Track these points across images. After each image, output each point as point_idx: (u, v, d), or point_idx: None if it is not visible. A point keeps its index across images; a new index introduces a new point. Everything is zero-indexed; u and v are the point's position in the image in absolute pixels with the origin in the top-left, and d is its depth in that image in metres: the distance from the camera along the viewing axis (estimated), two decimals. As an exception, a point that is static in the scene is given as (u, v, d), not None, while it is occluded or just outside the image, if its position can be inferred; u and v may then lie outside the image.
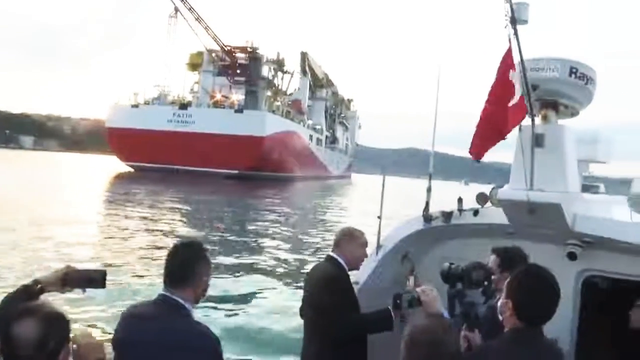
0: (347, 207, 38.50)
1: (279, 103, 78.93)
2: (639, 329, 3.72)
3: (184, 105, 68.19)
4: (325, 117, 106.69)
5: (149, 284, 11.23)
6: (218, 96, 70.85)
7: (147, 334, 2.41)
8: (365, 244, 3.83)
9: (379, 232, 4.25)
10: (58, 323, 1.93)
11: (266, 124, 65.80)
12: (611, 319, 4.07)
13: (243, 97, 72.15)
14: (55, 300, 2.38)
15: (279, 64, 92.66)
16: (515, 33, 3.06)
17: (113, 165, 68.72)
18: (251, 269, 14.38)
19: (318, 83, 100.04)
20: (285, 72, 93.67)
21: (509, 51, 3.13)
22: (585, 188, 5.06)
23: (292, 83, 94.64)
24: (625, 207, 4.00)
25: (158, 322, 2.44)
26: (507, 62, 3.13)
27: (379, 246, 4.25)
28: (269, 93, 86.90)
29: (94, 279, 2.53)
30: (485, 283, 3.43)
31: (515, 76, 3.13)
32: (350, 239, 3.76)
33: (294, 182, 69.99)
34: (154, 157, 63.95)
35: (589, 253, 3.71)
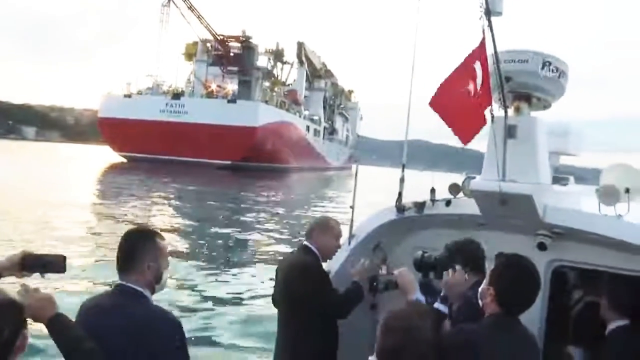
0: (342, 198, 37.14)
1: (274, 94, 78.06)
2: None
3: (176, 95, 67.63)
4: (325, 108, 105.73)
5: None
6: (213, 86, 70.13)
7: (107, 323, 2.39)
8: (340, 235, 3.92)
9: (351, 222, 4.29)
10: (10, 311, 1.91)
11: (259, 114, 65.10)
12: (578, 308, 4.24)
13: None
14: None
15: (277, 55, 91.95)
16: (490, 25, 3.08)
17: (109, 155, 68.31)
18: (237, 258, 14.62)
19: (316, 74, 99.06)
20: (285, 63, 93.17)
21: (483, 42, 3.15)
22: (556, 180, 5.12)
23: (292, 74, 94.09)
24: (595, 198, 4.03)
25: (117, 310, 2.43)
26: (476, 52, 3.19)
27: (351, 236, 4.27)
28: (267, 83, 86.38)
29: (53, 264, 2.47)
30: None
31: (478, 67, 3.18)
32: (325, 230, 3.81)
33: (289, 173, 69.26)
34: (146, 147, 63.49)
35: (558, 244, 3.79)
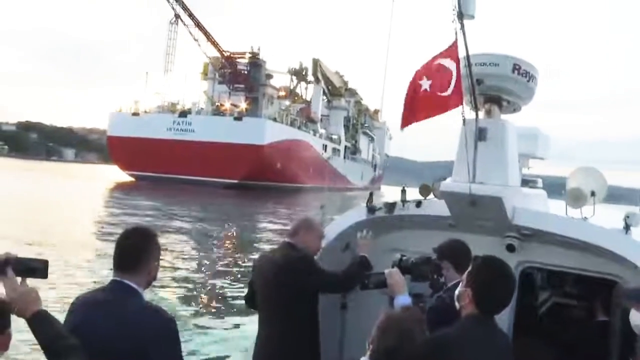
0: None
1: (284, 111, 76.31)
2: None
3: (183, 113, 66.58)
4: (347, 127, 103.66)
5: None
6: (227, 104, 68.82)
7: (100, 318, 2.38)
8: (323, 236, 3.99)
9: (321, 222, 4.34)
10: None
11: (265, 131, 63.39)
12: (545, 308, 4.63)
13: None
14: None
15: (298, 74, 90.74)
16: (462, 28, 3.14)
17: (118, 175, 67.89)
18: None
19: (336, 92, 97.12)
20: (309, 82, 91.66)
21: (455, 45, 3.24)
22: (525, 182, 4.95)
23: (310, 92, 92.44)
24: (562, 201, 4.23)
25: (111, 306, 2.41)
26: (445, 52, 3.30)
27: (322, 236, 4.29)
28: (287, 102, 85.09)
29: (36, 269, 2.36)
30: (435, 277, 3.50)
31: (447, 64, 3.27)
32: (309, 230, 3.81)
33: (302, 193, 66.90)
34: (153, 166, 62.71)
35: (526, 245, 3.86)
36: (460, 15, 3.05)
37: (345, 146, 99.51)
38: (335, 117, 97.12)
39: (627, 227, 3.81)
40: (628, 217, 3.85)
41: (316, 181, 76.89)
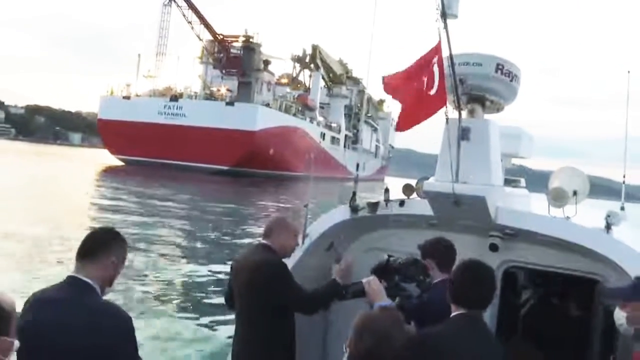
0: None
1: (278, 97, 74.60)
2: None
3: (174, 97, 65.20)
4: (349, 117, 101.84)
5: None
6: (223, 90, 67.31)
7: (55, 315, 2.33)
8: (298, 232, 3.93)
9: (305, 221, 4.31)
10: None
11: (257, 117, 61.92)
12: (528, 307, 4.69)
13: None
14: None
15: (302, 60, 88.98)
16: (445, 27, 3.15)
17: (108, 159, 66.85)
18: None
19: (336, 80, 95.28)
20: (313, 70, 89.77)
21: (439, 45, 3.25)
22: (507, 182, 4.98)
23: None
24: (544, 201, 4.25)
25: (67, 303, 2.35)
26: (432, 52, 3.29)
27: (304, 235, 4.26)
28: (288, 89, 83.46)
29: None
30: (421, 277, 3.56)
31: (436, 68, 3.26)
32: (283, 228, 3.75)
33: (294, 181, 65.30)
34: (143, 150, 61.68)
35: (509, 245, 3.89)
36: (444, 15, 3.06)
37: (346, 135, 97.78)
38: (336, 105, 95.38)
39: (608, 227, 3.82)
40: (609, 216, 3.87)
41: (314, 170, 75.14)
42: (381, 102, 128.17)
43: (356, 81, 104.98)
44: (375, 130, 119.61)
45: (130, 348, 2.42)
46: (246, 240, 18.48)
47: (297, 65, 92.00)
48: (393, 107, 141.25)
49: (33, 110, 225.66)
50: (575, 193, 4.24)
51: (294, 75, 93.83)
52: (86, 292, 2.40)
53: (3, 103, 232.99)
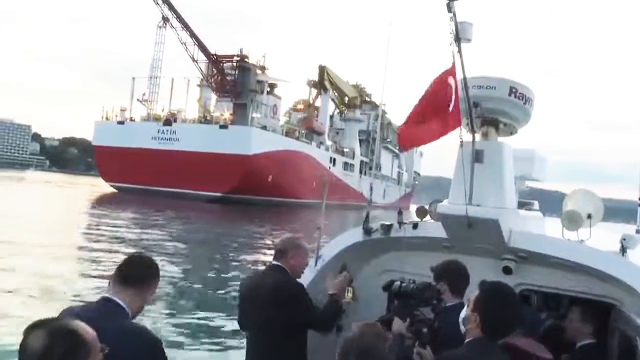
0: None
1: (278, 120, 71.32)
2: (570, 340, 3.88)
3: (168, 121, 62.61)
4: (367, 142, 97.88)
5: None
6: (226, 113, 64.41)
7: None
8: (308, 254, 3.97)
9: (318, 243, 4.34)
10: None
11: (252, 140, 58.54)
12: (542, 330, 4.28)
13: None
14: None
15: (316, 85, 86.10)
16: (459, 51, 3.21)
17: (102, 187, 64.61)
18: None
19: (350, 103, 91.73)
20: (322, 93, 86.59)
21: (453, 68, 3.28)
22: (521, 204, 4.97)
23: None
24: (558, 223, 4.29)
25: (95, 323, 2.21)
26: (447, 76, 3.30)
27: (317, 257, 4.30)
28: (300, 115, 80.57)
29: None
30: (435, 302, 3.53)
31: (451, 90, 3.28)
32: (297, 250, 3.78)
33: (298, 209, 61.23)
34: (136, 177, 59.01)
35: (523, 267, 3.89)
36: (458, 39, 3.12)
37: (362, 161, 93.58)
38: (350, 130, 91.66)
39: (623, 250, 3.88)
40: (625, 239, 3.91)
41: (319, 196, 71.04)
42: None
43: (374, 105, 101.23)
44: (397, 156, 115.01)
45: None
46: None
47: (315, 90, 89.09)
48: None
49: (67, 142, 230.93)
50: (589, 216, 4.31)
51: (310, 101, 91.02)
52: (116, 313, 2.39)
53: (40, 135, 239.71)
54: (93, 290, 12.13)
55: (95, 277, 14.07)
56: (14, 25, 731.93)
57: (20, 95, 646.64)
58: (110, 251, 18.37)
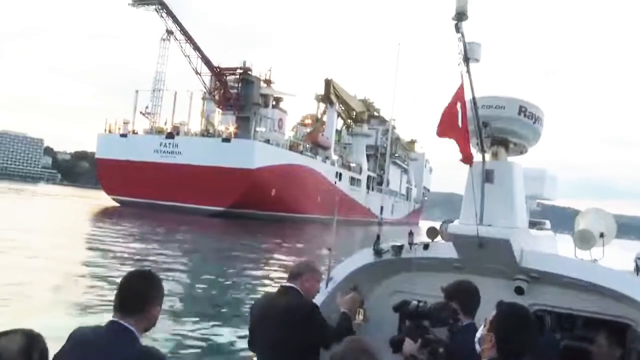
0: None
1: (280, 133, 70.47)
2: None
3: (171, 135, 62.06)
4: (375, 157, 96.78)
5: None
6: (231, 127, 63.82)
7: (90, 356, 2.36)
8: (321, 278, 3.98)
9: (329, 265, 4.35)
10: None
11: (255, 154, 57.72)
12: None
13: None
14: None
15: (324, 100, 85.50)
16: (468, 71, 3.23)
17: (105, 200, 63.98)
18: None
19: (358, 117, 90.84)
20: (328, 107, 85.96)
21: (461, 87, 3.28)
22: (532, 224, 4.95)
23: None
24: (570, 243, 4.32)
25: (103, 345, 2.36)
26: (456, 97, 3.30)
27: (329, 278, 4.29)
28: (307, 130, 79.86)
29: None
30: (451, 321, 3.52)
31: (460, 110, 3.29)
32: (312, 273, 3.80)
33: (302, 224, 60.04)
34: (138, 190, 58.33)
35: (535, 288, 3.86)
36: (466, 59, 3.14)
37: (369, 176, 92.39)
38: (357, 144, 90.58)
39: (638, 269, 3.90)
40: (639, 258, 3.95)
41: (324, 211, 69.80)
42: (412, 142, 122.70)
43: (382, 120, 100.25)
44: (406, 171, 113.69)
45: None
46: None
47: (322, 105, 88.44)
48: (426, 148, 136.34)
49: (79, 156, 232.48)
50: (602, 235, 4.25)
51: (318, 116, 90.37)
52: (124, 335, 2.37)
53: (52, 149, 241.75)
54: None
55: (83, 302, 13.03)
56: (41, 40, 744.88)
57: (34, 109, 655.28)
58: (108, 267, 17.60)
